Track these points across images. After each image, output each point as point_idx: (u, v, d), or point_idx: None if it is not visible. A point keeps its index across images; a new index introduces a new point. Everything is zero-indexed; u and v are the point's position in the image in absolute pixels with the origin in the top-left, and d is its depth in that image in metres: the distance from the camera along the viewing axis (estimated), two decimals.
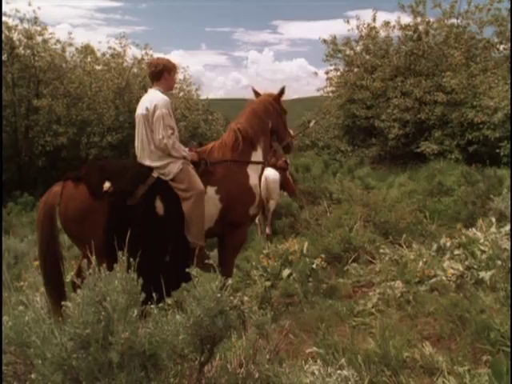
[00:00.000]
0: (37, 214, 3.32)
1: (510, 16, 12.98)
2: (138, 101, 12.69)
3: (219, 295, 1.56)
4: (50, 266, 3.13)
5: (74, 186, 3.16)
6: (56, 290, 3.06)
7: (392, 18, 15.76)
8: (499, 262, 3.46)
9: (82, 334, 1.39)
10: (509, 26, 13.12)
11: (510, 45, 12.40)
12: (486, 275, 3.37)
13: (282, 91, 4.04)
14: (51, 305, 2.64)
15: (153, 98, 3.38)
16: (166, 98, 3.40)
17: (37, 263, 4.64)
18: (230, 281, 1.63)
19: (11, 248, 6.17)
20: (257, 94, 4.10)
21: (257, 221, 6.09)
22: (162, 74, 3.46)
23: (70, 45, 16.08)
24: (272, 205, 6.26)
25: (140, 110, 3.44)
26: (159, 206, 3.27)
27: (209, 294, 1.54)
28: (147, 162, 3.32)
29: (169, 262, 3.30)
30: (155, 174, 3.30)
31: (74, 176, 3.23)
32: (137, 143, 3.43)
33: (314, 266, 4.42)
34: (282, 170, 6.45)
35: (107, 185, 3.13)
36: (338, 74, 16.70)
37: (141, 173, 3.30)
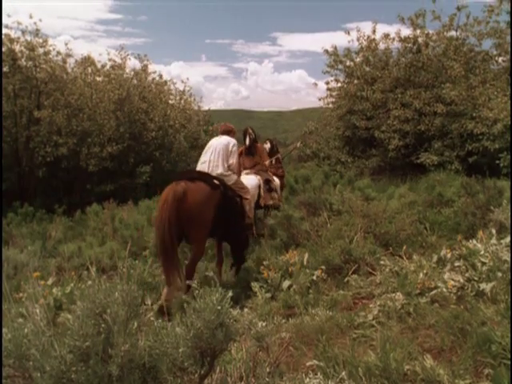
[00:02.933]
0: (161, 201, 4.49)
1: (509, 28, 13.08)
2: (138, 111, 12.98)
3: (219, 307, 1.55)
4: (169, 242, 4.27)
5: (193, 184, 4.61)
6: (171, 264, 4.28)
7: (390, 30, 15.88)
8: (499, 274, 3.45)
9: (82, 346, 1.38)
10: (507, 38, 13.21)
11: (509, 57, 12.47)
12: (486, 287, 3.36)
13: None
14: (166, 278, 4.27)
15: (230, 140, 5.38)
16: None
17: (36, 274, 4.64)
18: (230, 293, 1.63)
19: (10, 259, 6.15)
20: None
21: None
22: (232, 132, 5.62)
23: (69, 56, 16.19)
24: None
25: (220, 140, 5.34)
26: None
27: (209, 306, 1.54)
28: (220, 171, 5.08)
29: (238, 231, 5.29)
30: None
31: (187, 178, 4.74)
32: (213, 159, 5.15)
33: (315, 277, 4.41)
34: (280, 177, 7.71)
35: (217, 182, 4.83)
36: (339, 85, 16.77)
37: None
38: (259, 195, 6.57)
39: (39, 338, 1.45)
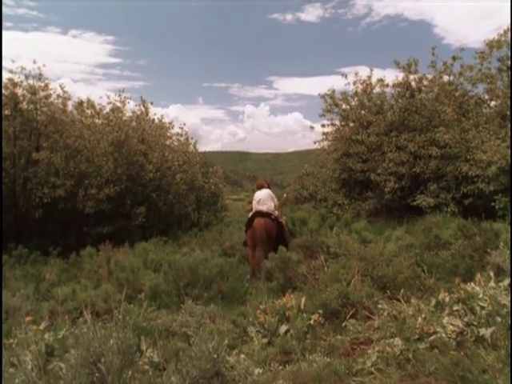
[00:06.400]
0: (254, 226, 8.14)
1: (500, 74, 13.46)
2: (136, 153, 13.48)
3: (215, 356, 1.52)
4: (265, 241, 8.00)
5: (264, 219, 8.14)
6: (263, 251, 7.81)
7: (383, 74, 16.26)
8: (499, 319, 3.41)
9: None
10: (498, 83, 13.58)
11: (510, 95, 12.68)
12: (486, 332, 3.31)
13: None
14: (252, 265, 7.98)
15: (269, 191, 8.76)
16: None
17: (28, 318, 4.55)
18: (226, 341, 1.61)
19: (2, 302, 6.04)
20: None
21: None
22: (266, 184, 8.96)
23: (65, 98, 16.45)
24: None
25: (264, 192, 8.66)
26: None
27: (205, 354, 1.51)
28: (271, 211, 8.34)
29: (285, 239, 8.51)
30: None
31: (260, 215, 8.20)
32: (265, 206, 8.41)
33: (312, 321, 4.34)
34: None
35: (273, 216, 8.26)
36: (335, 128, 17.03)
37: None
38: None
39: None
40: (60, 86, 16.27)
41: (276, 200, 8.75)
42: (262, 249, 7.93)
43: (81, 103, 17.06)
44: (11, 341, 3.98)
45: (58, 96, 16.06)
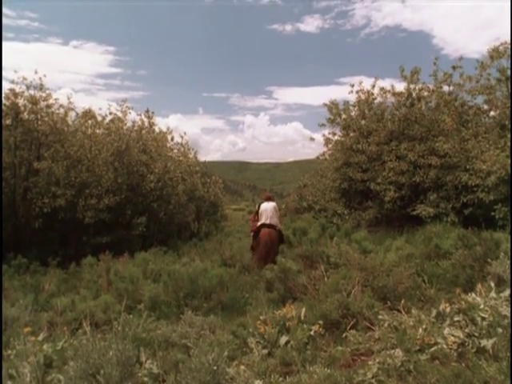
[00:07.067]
0: (261, 235, 9.50)
1: (498, 85, 13.52)
2: (136, 163, 13.60)
3: (215, 367, 1.51)
4: (270, 247, 9.41)
5: (270, 229, 9.50)
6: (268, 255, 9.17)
7: (383, 84, 16.33)
8: (500, 330, 3.39)
9: None
10: (497, 94, 13.63)
11: (509, 105, 12.71)
12: (487, 343, 3.29)
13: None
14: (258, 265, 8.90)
15: (274, 204, 9.94)
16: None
17: (27, 329, 4.52)
18: (226, 352, 1.60)
19: (1, 313, 6.01)
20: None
21: None
22: (272, 198, 10.27)
23: (70, 109, 16.57)
24: None
25: (269, 205, 9.79)
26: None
27: (205, 366, 1.50)
28: (276, 224, 9.68)
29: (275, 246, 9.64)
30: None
31: (266, 226, 9.51)
32: (270, 217, 9.63)
33: (312, 332, 4.32)
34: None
35: (278, 228, 9.72)
36: (335, 138, 17.08)
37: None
38: None
39: None
40: (67, 96, 16.48)
41: (279, 214, 10.10)
42: (267, 251, 9.41)
43: (85, 113, 17.15)
44: (9, 352, 3.95)
45: (60, 106, 16.15)
